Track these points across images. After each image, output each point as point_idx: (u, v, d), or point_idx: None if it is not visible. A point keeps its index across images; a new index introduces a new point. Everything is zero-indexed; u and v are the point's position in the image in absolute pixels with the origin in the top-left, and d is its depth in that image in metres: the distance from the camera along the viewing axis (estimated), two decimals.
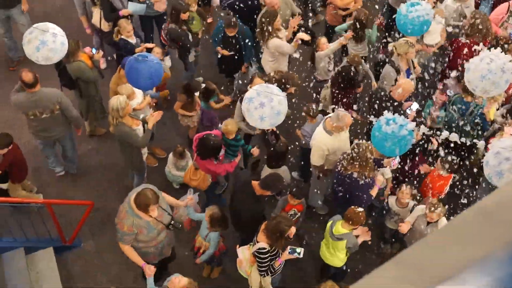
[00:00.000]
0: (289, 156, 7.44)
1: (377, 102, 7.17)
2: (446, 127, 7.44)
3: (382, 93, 7.26)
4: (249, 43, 8.31)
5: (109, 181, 8.25)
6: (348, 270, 6.77)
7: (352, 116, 6.96)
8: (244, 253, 6.08)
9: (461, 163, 7.43)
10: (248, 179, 6.31)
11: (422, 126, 6.45)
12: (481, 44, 6.99)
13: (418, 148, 6.90)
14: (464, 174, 7.62)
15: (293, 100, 7.93)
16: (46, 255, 7.17)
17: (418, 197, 7.10)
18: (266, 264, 5.85)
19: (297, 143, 7.94)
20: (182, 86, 7.95)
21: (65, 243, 7.35)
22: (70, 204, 7.55)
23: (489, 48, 5.95)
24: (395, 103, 7.11)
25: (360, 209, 6.04)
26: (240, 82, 8.70)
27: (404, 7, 7.03)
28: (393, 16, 7.68)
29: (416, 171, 7.11)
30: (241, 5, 8.44)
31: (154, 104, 8.10)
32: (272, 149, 7.18)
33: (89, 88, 7.92)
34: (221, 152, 6.89)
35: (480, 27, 7.72)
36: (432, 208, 6.15)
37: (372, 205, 7.32)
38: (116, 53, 8.70)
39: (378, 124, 5.65)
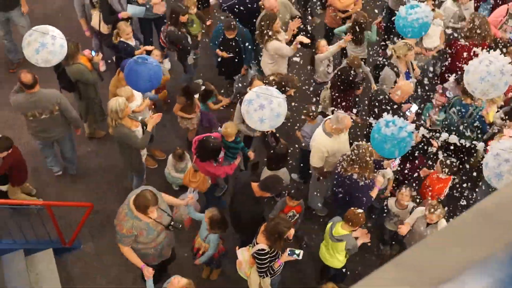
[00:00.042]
0: (289, 158, 7.44)
1: (377, 104, 7.18)
2: (445, 129, 7.44)
3: (382, 95, 7.27)
4: (249, 46, 8.32)
5: (109, 183, 8.25)
6: (348, 273, 6.77)
7: (351, 118, 6.96)
8: (243, 254, 6.08)
9: (460, 165, 7.43)
10: (248, 180, 6.32)
11: (422, 128, 6.46)
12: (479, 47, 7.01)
13: (417, 152, 6.89)
14: (464, 176, 7.63)
15: (293, 104, 7.95)
16: (46, 256, 7.17)
17: (417, 199, 7.10)
18: (265, 266, 5.85)
19: (296, 146, 7.94)
20: (181, 88, 7.95)
21: (65, 245, 7.34)
22: (69, 206, 7.55)
23: (488, 50, 5.95)
24: (395, 106, 7.12)
25: (360, 211, 6.05)
26: (239, 84, 8.71)
27: (404, 9, 7.05)
28: (392, 19, 7.70)
29: (416, 174, 7.12)
30: (241, 8, 8.45)
31: (153, 106, 8.11)
32: (272, 151, 7.18)
33: (89, 91, 7.92)
34: (221, 154, 6.90)
35: (479, 29, 7.73)
36: (432, 210, 6.16)
37: (372, 206, 7.32)
38: (116, 56, 8.71)
39: (378, 126, 5.65)
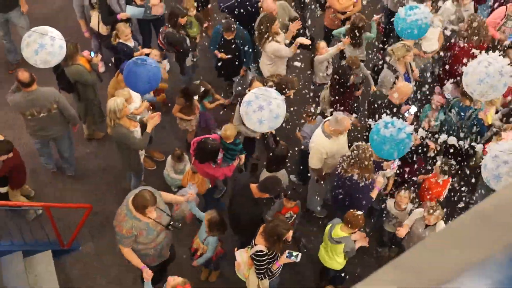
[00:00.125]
0: (287, 160, 7.43)
1: (376, 105, 7.18)
2: (445, 131, 7.45)
3: (381, 97, 7.27)
4: (248, 48, 8.32)
5: (108, 184, 8.24)
6: (347, 276, 6.77)
7: (350, 119, 6.96)
8: (242, 256, 6.08)
9: (459, 167, 7.43)
10: (247, 182, 6.31)
11: (421, 130, 6.46)
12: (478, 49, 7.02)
13: (416, 155, 6.89)
14: (463, 178, 7.62)
15: (291, 109, 7.94)
16: (45, 258, 7.16)
17: (416, 201, 7.10)
18: (263, 267, 5.85)
19: (296, 148, 7.94)
20: (180, 90, 7.96)
21: (63, 246, 7.34)
22: (68, 207, 7.54)
23: (487, 52, 5.96)
24: (394, 108, 7.11)
25: (359, 213, 6.05)
26: (239, 87, 8.70)
27: (403, 10, 7.05)
28: (392, 20, 7.70)
29: (415, 177, 7.13)
30: (241, 10, 8.45)
31: (151, 107, 8.11)
32: (271, 153, 7.16)
33: (88, 92, 7.91)
34: (219, 156, 6.89)
35: (477, 30, 7.74)
36: (431, 211, 6.16)
37: (371, 208, 7.32)
38: (115, 57, 8.71)
39: (377, 127, 5.65)
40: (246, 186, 6.20)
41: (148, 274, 5.73)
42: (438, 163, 6.79)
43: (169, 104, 8.75)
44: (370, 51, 8.95)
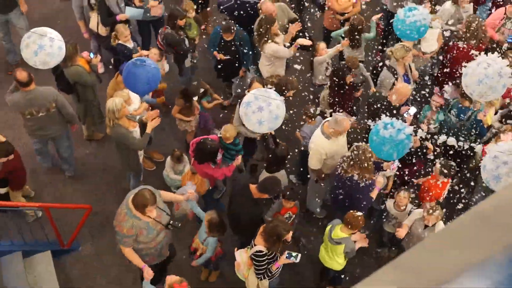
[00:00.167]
0: (287, 160, 7.43)
1: (375, 107, 7.18)
2: (444, 131, 7.45)
3: (380, 98, 7.27)
4: (248, 50, 8.32)
5: (107, 184, 8.24)
6: (347, 278, 6.77)
7: (349, 121, 6.96)
8: (241, 256, 6.08)
9: (458, 168, 7.44)
10: (246, 182, 6.32)
11: (420, 131, 6.47)
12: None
13: (415, 158, 6.90)
14: (462, 179, 7.63)
15: (290, 111, 7.95)
16: (44, 258, 7.16)
17: (416, 202, 7.11)
18: (263, 267, 5.85)
19: (296, 150, 7.94)
20: (180, 91, 7.96)
21: (63, 246, 7.34)
22: (68, 208, 7.54)
23: (486, 53, 5.97)
24: (394, 109, 7.12)
25: (359, 213, 6.05)
26: (239, 89, 8.70)
27: (402, 12, 7.06)
28: (391, 21, 7.71)
29: (414, 178, 7.14)
30: (240, 11, 8.45)
31: (150, 109, 8.09)
32: (271, 154, 7.17)
33: (87, 93, 7.91)
34: (219, 156, 6.89)
35: (475, 31, 7.75)
36: (430, 211, 6.16)
37: (371, 208, 7.32)
38: (114, 58, 8.71)
39: (376, 128, 5.66)
40: (246, 187, 6.21)
41: (148, 274, 5.73)
42: (438, 164, 6.79)
43: (169, 106, 8.75)
44: (369, 53, 8.95)
